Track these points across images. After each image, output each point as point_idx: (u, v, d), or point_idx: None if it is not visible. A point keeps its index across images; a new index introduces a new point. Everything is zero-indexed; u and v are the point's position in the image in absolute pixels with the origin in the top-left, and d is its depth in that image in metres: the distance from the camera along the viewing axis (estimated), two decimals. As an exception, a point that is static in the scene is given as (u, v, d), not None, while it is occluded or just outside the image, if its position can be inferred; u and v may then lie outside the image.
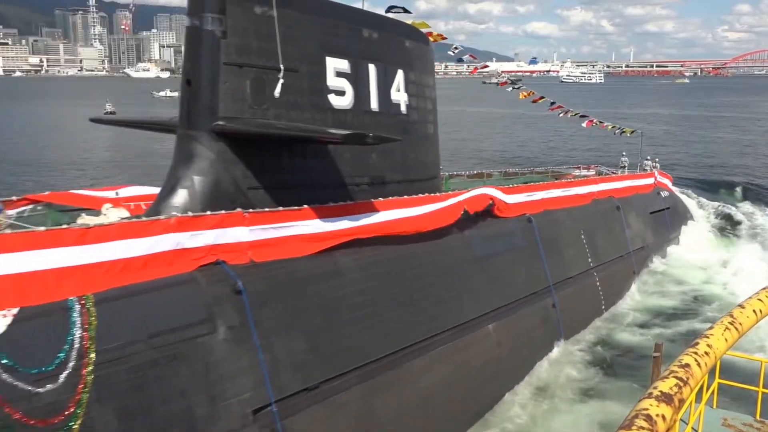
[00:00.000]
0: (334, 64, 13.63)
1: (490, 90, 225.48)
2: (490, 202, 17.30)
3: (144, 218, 10.24)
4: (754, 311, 5.85)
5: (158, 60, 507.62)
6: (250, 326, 10.42)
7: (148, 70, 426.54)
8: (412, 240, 14.24)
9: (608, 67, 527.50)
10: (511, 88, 28.58)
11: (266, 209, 11.59)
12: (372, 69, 14.53)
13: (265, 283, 11.09)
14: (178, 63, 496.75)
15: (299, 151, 13.05)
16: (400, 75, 15.41)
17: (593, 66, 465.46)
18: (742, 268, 26.36)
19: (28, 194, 14.46)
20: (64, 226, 9.55)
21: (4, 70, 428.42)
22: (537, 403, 15.25)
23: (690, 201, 36.00)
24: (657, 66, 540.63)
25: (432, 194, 15.51)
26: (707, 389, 7.47)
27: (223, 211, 10.88)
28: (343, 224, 12.52)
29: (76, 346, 8.34)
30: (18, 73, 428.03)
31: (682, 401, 4.27)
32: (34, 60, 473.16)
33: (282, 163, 12.82)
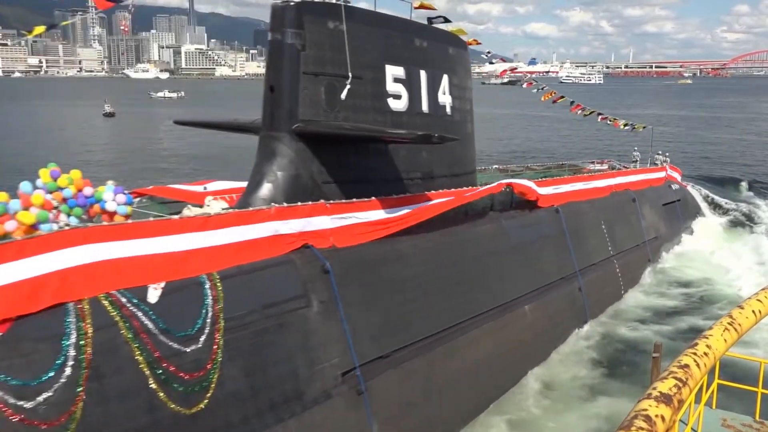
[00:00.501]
0: (392, 71, 15.39)
1: (489, 90, 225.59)
2: (528, 190, 19.27)
3: (251, 209, 11.99)
4: (753, 312, 5.86)
5: (157, 61, 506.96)
6: (336, 301, 12.16)
7: (147, 71, 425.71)
8: (459, 228, 16.11)
9: (607, 67, 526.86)
10: (536, 90, 30.37)
11: (343, 200, 13.28)
12: (423, 75, 16.26)
13: (346, 264, 12.72)
14: (177, 64, 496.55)
15: (364, 150, 14.87)
16: (445, 79, 17.11)
17: (592, 67, 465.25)
18: (747, 261, 27.15)
19: (135, 188, 16.06)
20: (191, 215, 11.37)
21: (3, 71, 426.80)
22: (565, 373, 17.12)
23: (698, 194, 36.91)
24: (656, 67, 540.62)
25: (474, 186, 17.57)
26: (707, 389, 7.47)
27: (309, 202, 12.54)
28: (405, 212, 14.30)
29: (210, 314, 10.06)
30: (17, 74, 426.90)
31: (681, 402, 4.27)
32: (33, 61, 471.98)
33: (350, 160, 14.51)
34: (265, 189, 13.15)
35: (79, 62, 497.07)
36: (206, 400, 9.59)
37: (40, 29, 15.02)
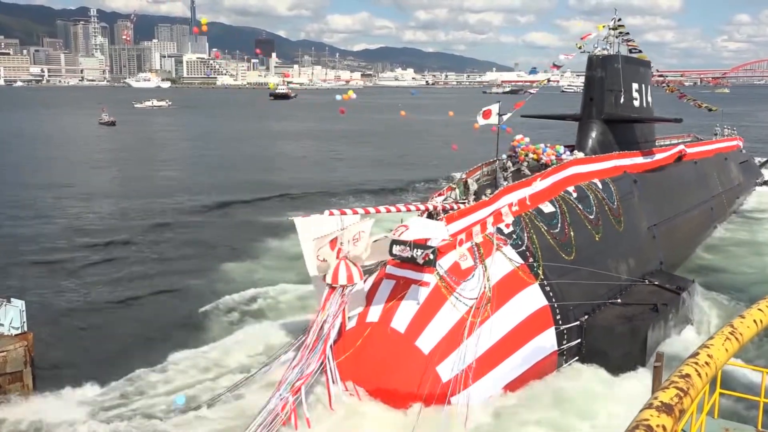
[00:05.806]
0: (634, 86, 31.12)
1: (493, 99, 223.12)
2: (684, 150, 35.60)
3: (606, 154, 27.71)
4: (754, 321, 5.86)
5: (159, 70, 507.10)
6: (641, 195, 27.85)
7: (149, 80, 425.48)
8: (670, 168, 33.27)
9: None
10: (665, 87, 41.93)
11: (628, 151, 29.04)
12: (643, 86, 32.29)
13: (641, 179, 28.43)
14: (179, 73, 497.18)
15: (627, 127, 30.59)
16: (649, 87, 33.21)
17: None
18: None
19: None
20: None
21: (6, 80, 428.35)
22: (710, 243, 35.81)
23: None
24: (658, 76, 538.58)
25: (666, 146, 35.96)
26: (708, 399, 7.42)
27: (617, 152, 28.30)
28: (656, 156, 32.11)
29: (617, 194, 26.00)
30: (19, 83, 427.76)
31: (682, 411, 4.26)
32: (36, 70, 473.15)
33: (620, 131, 29.70)
34: (589, 146, 28.35)
35: (81, 71, 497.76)
36: (621, 227, 24.77)
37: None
